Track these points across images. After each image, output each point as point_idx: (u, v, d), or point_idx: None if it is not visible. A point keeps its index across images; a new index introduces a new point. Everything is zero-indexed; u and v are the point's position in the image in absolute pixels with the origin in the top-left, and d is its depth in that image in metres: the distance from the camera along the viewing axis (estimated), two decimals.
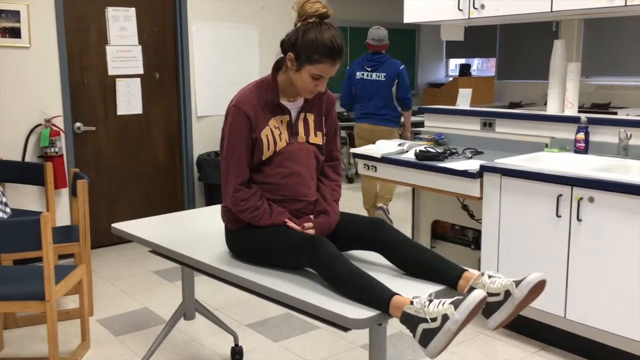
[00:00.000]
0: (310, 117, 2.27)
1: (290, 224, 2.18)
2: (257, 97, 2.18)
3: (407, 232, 3.08)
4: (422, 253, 2.06)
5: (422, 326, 1.74)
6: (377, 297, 1.82)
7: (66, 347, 3.20)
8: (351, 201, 6.58)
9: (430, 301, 1.76)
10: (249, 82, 2.27)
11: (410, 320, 1.76)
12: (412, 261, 2.06)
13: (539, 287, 1.86)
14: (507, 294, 1.85)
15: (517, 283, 1.85)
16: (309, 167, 2.26)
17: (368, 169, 3.78)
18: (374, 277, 1.90)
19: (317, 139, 2.28)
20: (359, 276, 1.89)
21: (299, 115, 2.25)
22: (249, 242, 2.21)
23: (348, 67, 5.39)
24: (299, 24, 2.11)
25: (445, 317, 1.71)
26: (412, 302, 1.77)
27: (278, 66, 2.21)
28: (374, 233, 2.14)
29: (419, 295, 1.79)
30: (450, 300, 1.74)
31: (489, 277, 1.92)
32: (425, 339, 1.73)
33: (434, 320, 1.72)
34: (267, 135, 2.17)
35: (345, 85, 5.37)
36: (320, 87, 2.15)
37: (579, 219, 2.84)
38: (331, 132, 2.35)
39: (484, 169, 3.16)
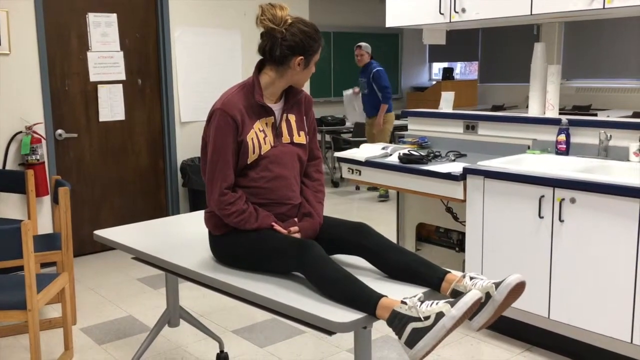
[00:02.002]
0: (292, 118, 2.28)
1: (277, 227, 2.18)
2: (242, 100, 2.18)
3: (391, 235, 3.08)
4: (404, 256, 2.07)
5: (412, 325, 1.74)
6: (365, 299, 1.83)
7: (49, 356, 3.16)
8: (337, 205, 6.59)
9: (422, 301, 1.77)
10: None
11: (399, 320, 1.76)
12: (395, 265, 2.06)
13: (519, 288, 1.87)
14: (488, 296, 1.86)
15: (497, 285, 1.87)
16: (293, 170, 2.27)
17: (352, 172, 3.79)
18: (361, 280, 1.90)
19: (301, 138, 2.29)
20: (347, 279, 1.90)
21: (282, 116, 2.26)
22: (234, 247, 2.20)
23: (382, 68, 6.70)
24: (282, 30, 2.13)
25: (439, 315, 1.72)
26: (403, 302, 1.78)
27: (260, 68, 2.23)
28: (357, 237, 2.15)
29: (410, 296, 1.80)
30: (444, 301, 1.76)
31: (471, 278, 1.93)
32: (413, 339, 1.73)
33: (427, 318, 1.72)
34: (252, 139, 2.17)
35: (387, 79, 6.70)
36: (313, 69, 2.27)
37: (561, 220, 2.86)
38: (311, 130, 2.37)
39: (467, 171, 3.18)
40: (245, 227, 2.16)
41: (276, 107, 2.25)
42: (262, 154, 2.19)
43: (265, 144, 2.19)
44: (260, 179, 2.20)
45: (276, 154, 2.22)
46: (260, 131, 2.19)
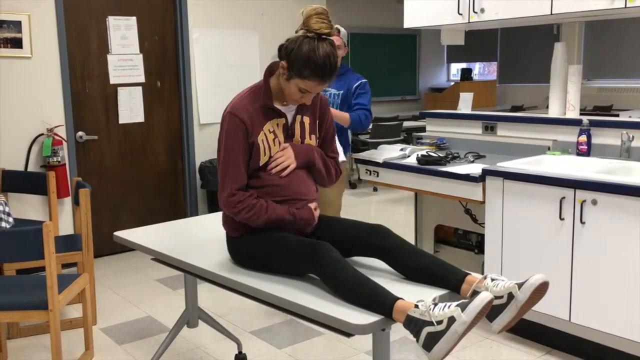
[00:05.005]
0: (306, 120, 2.28)
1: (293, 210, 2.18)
2: (251, 102, 2.19)
3: (410, 237, 3.07)
4: (423, 258, 2.06)
5: (426, 329, 1.73)
6: (380, 302, 1.82)
7: (70, 356, 3.19)
8: (354, 207, 6.58)
9: (435, 304, 1.75)
10: None
11: (414, 324, 1.75)
12: (414, 266, 2.05)
13: (542, 288, 1.85)
14: (510, 296, 1.84)
15: (520, 285, 1.84)
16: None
17: (370, 174, 3.78)
18: (377, 282, 1.89)
19: (312, 142, 2.29)
20: (363, 281, 1.89)
21: (295, 117, 2.26)
22: (251, 248, 2.20)
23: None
24: (300, 32, 2.08)
25: (451, 320, 1.70)
26: (416, 306, 1.76)
27: (271, 70, 2.22)
28: (375, 239, 2.14)
29: (424, 299, 1.79)
30: (456, 303, 1.74)
31: (492, 280, 1.91)
32: (430, 343, 1.72)
33: (439, 323, 1.71)
34: (262, 140, 2.18)
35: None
36: (306, 100, 2.18)
37: (582, 222, 2.83)
38: (328, 134, 2.37)
39: (486, 172, 3.16)
40: (258, 222, 2.15)
41: (288, 109, 2.24)
42: (272, 155, 2.19)
43: (274, 145, 2.20)
44: (274, 177, 2.20)
45: None
46: (270, 132, 2.19)
